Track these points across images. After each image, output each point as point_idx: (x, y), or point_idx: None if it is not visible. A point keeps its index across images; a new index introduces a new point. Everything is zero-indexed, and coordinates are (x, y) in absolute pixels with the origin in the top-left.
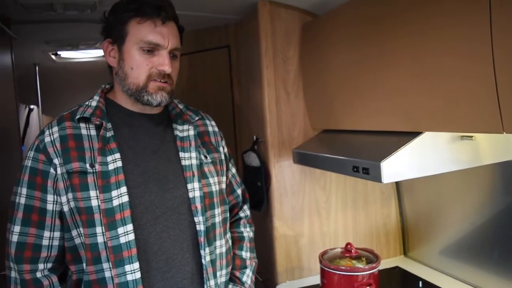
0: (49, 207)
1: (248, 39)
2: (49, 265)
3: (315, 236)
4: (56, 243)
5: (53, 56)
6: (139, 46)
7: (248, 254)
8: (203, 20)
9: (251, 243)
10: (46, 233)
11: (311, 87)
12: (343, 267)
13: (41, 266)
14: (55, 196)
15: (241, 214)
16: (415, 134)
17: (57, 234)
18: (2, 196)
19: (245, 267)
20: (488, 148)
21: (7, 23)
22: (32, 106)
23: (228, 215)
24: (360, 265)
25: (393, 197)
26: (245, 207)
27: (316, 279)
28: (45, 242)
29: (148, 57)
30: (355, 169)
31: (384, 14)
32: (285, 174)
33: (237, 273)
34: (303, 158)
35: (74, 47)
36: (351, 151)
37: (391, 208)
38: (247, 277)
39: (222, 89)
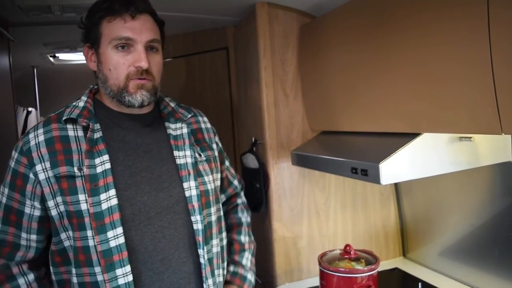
0: (27, 210)
1: (246, 40)
2: (25, 263)
3: (314, 238)
4: (34, 245)
5: (51, 58)
6: (113, 45)
7: (247, 238)
8: (201, 22)
9: (249, 227)
10: (23, 234)
11: (309, 88)
12: (342, 269)
13: (15, 263)
14: (32, 201)
15: (238, 201)
16: (413, 136)
17: (33, 237)
18: None
19: (244, 250)
20: (487, 149)
21: (4, 26)
22: (30, 109)
23: (222, 213)
24: (359, 267)
25: (392, 198)
26: (241, 193)
27: (315, 281)
28: (23, 242)
29: (123, 55)
30: (353, 171)
31: (383, 17)
32: (283, 176)
33: (236, 257)
34: (301, 160)
35: (72, 49)
36: (349, 153)
37: (390, 210)
38: (247, 260)
39: (220, 90)
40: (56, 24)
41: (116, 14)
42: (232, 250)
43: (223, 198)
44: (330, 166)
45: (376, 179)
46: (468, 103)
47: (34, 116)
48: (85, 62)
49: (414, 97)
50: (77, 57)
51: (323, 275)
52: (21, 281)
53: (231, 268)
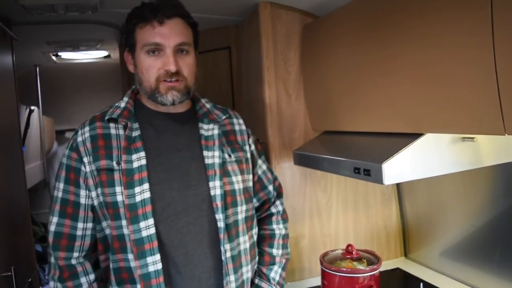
0: (82, 200)
1: (248, 40)
2: (83, 253)
3: (316, 237)
4: (89, 233)
5: (53, 57)
6: (144, 50)
7: (280, 252)
8: (203, 22)
9: (284, 239)
10: (80, 224)
11: (312, 88)
12: (344, 269)
13: (75, 254)
14: (87, 191)
15: (273, 210)
16: (416, 136)
17: (89, 225)
18: (4, 196)
19: (274, 264)
20: (489, 149)
21: (8, 24)
22: (32, 107)
23: (253, 212)
24: (361, 267)
25: (393, 198)
26: (278, 202)
27: (317, 281)
28: (79, 232)
29: (154, 59)
30: (356, 171)
31: (386, 18)
32: (286, 176)
33: (264, 269)
34: (303, 160)
35: (75, 48)
36: (352, 153)
37: (392, 210)
38: (275, 273)
39: (223, 90)
40: (60, 23)
41: (147, 21)
42: (261, 261)
43: (255, 202)
44: (332, 166)
45: (379, 179)
46: (471, 104)
47: (36, 115)
48: (87, 61)
49: (417, 97)
50: (79, 56)
51: (325, 275)
52: (83, 280)
53: (256, 281)
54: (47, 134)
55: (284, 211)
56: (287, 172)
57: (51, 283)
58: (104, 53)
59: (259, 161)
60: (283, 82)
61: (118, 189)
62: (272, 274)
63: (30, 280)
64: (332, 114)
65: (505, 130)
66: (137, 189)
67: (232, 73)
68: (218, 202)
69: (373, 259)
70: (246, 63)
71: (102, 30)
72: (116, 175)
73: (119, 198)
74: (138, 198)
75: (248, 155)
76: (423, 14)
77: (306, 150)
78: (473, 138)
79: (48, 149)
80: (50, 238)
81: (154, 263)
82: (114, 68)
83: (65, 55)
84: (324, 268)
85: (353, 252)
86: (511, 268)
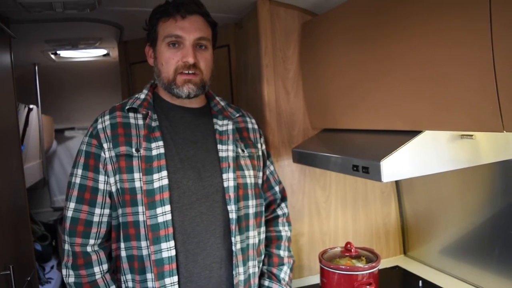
0: (101, 186)
1: (247, 38)
2: (99, 241)
3: (315, 235)
4: (105, 219)
5: (52, 56)
6: (166, 42)
7: (286, 253)
8: None
9: (289, 242)
10: (97, 211)
11: (310, 86)
12: (343, 267)
13: (91, 241)
14: (105, 177)
15: (279, 212)
16: (415, 133)
17: (107, 211)
18: (3, 195)
19: (283, 264)
20: (488, 147)
21: (6, 22)
22: (31, 106)
23: (263, 209)
24: (360, 265)
25: (393, 196)
26: (283, 204)
27: (316, 279)
28: (95, 218)
29: (174, 52)
30: (355, 168)
31: (385, 17)
32: (284, 174)
33: (274, 270)
34: (302, 157)
35: (74, 46)
36: (350, 150)
37: (391, 208)
38: (285, 274)
39: (222, 88)
40: (58, 21)
41: (169, 16)
42: (270, 263)
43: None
44: (331, 163)
45: (377, 177)
46: (469, 101)
47: (35, 113)
48: (86, 59)
49: (416, 95)
50: (78, 55)
51: (323, 273)
52: (96, 269)
53: (266, 283)
54: (46, 133)
55: (288, 214)
56: (286, 170)
57: (64, 271)
58: (103, 51)
59: (268, 162)
60: (282, 80)
61: (136, 175)
62: (282, 275)
63: (29, 278)
64: (330, 112)
65: (503, 127)
66: (156, 176)
67: (231, 71)
68: (231, 194)
69: (372, 257)
70: (245, 61)
71: (101, 28)
72: (135, 162)
73: (137, 184)
74: (156, 185)
75: (260, 153)
76: (422, 12)
77: (305, 148)
78: (472, 135)
79: (47, 148)
80: (67, 224)
81: (169, 249)
82: (113, 67)
83: (64, 53)
84: (323, 266)
85: (352, 250)
86: (510, 265)
